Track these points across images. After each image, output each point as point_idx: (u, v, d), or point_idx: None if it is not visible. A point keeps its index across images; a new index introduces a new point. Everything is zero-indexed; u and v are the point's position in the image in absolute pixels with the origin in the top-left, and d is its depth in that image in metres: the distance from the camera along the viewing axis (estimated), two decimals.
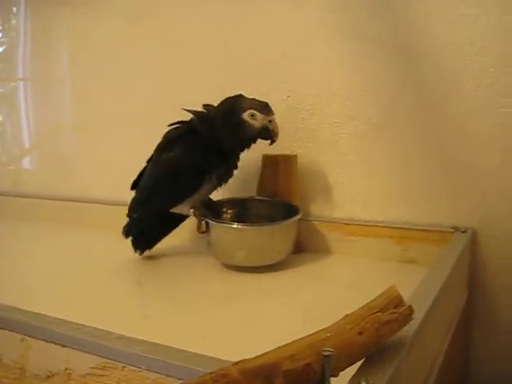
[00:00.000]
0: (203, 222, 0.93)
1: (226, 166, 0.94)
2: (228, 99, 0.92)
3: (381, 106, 0.97)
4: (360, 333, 0.44)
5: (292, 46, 1.03)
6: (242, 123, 0.89)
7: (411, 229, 0.94)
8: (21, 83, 1.49)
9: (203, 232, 0.93)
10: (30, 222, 1.36)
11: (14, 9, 1.45)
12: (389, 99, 0.96)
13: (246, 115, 0.89)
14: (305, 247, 1.01)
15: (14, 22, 1.46)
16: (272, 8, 1.05)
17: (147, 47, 1.23)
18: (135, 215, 0.99)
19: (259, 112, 0.89)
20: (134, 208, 0.98)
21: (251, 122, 0.89)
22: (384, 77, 0.96)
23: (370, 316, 0.45)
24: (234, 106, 0.91)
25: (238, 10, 1.09)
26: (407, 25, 0.94)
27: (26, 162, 1.56)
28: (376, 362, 0.44)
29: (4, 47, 1.49)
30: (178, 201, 0.95)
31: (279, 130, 0.91)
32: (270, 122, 0.89)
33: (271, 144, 0.92)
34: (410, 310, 0.48)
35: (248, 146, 0.93)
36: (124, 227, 0.99)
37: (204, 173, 0.92)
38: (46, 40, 1.41)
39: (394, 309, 0.47)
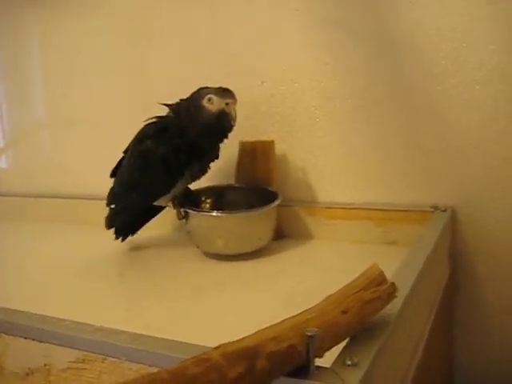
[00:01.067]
0: (182, 210, 0.92)
1: (199, 163, 0.93)
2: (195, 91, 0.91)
3: (356, 87, 0.96)
4: (343, 312, 0.43)
5: (265, 31, 1.02)
6: (201, 109, 0.88)
7: (391, 210, 0.94)
8: None
9: (183, 218, 0.92)
10: (10, 220, 1.34)
11: None
12: (364, 80, 0.96)
13: (204, 101, 0.87)
14: (286, 233, 1.00)
15: None
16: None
17: (120, 41, 1.21)
18: (113, 206, 0.97)
19: (216, 95, 0.87)
20: (112, 200, 0.97)
21: (208, 106, 0.87)
22: (358, 58, 0.96)
23: (353, 295, 0.45)
24: (195, 94, 0.90)
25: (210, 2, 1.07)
26: (378, 6, 0.93)
27: (2, 162, 1.53)
28: (361, 341, 0.44)
29: None
30: (152, 198, 0.94)
31: (237, 114, 0.88)
32: (226, 104, 0.87)
33: (230, 131, 0.90)
34: (393, 288, 0.48)
35: (215, 136, 0.91)
36: (105, 218, 0.97)
37: (176, 173, 0.91)
38: (16, 39, 1.39)
39: (376, 287, 0.47)
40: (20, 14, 1.36)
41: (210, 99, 0.87)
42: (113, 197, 0.98)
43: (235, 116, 0.87)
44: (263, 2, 1.02)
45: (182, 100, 0.93)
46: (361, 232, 0.96)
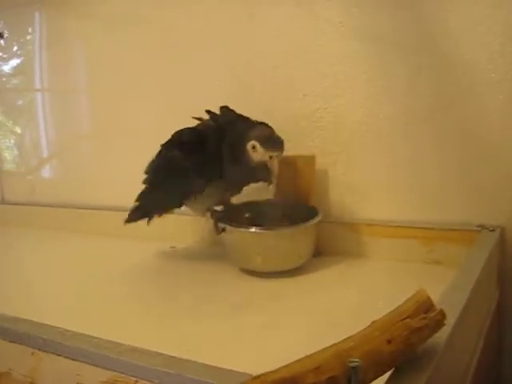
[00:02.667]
0: (220, 225, 0.90)
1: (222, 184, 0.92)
2: (239, 119, 0.90)
3: (400, 103, 0.93)
4: (388, 341, 0.40)
5: (307, 43, 1.00)
6: (243, 151, 0.86)
7: (436, 228, 0.90)
8: (38, 94, 1.49)
9: (221, 233, 0.91)
10: (47, 231, 1.35)
11: (30, 21, 1.44)
12: (407, 96, 0.93)
13: (248, 145, 0.85)
14: (325, 250, 0.98)
15: (29, 35, 1.45)
16: (284, 5, 1.02)
17: (164, 57, 1.21)
18: (137, 203, 0.99)
19: (261, 145, 0.85)
20: (139, 195, 0.98)
21: (251, 153, 0.85)
22: (401, 74, 0.93)
23: (399, 322, 0.42)
24: (241, 132, 0.87)
25: (247, 8, 1.06)
26: (423, 21, 0.91)
27: (45, 172, 1.55)
28: (406, 373, 0.41)
29: (21, 59, 1.49)
30: (173, 203, 0.94)
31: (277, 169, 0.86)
32: (270, 158, 0.85)
33: (268, 185, 0.89)
34: (442, 315, 0.45)
35: (247, 182, 0.92)
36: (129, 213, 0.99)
37: (196, 189, 0.90)
38: (62, 51, 1.41)
39: (424, 314, 0.44)
40: (66, 28, 1.38)
41: (254, 146, 0.85)
42: (141, 192, 0.98)
43: (276, 172, 0.85)
44: (307, 15, 1.00)
45: (212, 115, 0.92)
46: (403, 251, 0.92)
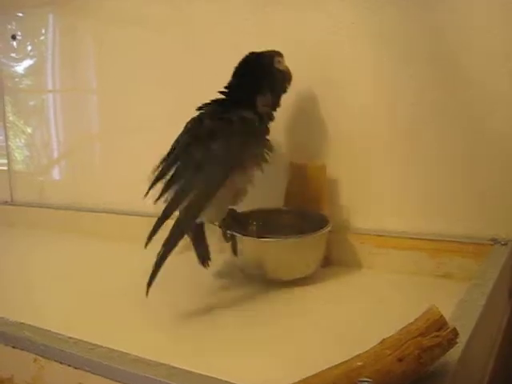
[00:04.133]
0: (228, 233, 0.89)
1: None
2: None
3: (415, 114, 0.92)
4: (399, 360, 0.39)
5: (321, 50, 0.99)
6: (275, 72, 0.91)
7: (447, 240, 0.89)
8: (50, 95, 1.49)
9: (229, 241, 0.90)
10: (56, 232, 1.35)
11: (43, 23, 1.45)
12: (423, 107, 0.91)
13: (276, 63, 0.91)
14: (334, 260, 0.96)
15: (42, 37, 1.45)
16: (295, 6, 1.02)
17: (174, 57, 1.20)
18: None
19: (281, 57, 0.91)
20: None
21: (279, 67, 0.91)
22: (412, 78, 0.92)
23: (411, 340, 0.41)
24: (260, 60, 0.91)
25: (260, 7, 1.06)
26: (437, 27, 0.89)
27: (55, 173, 1.55)
28: None
29: (34, 60, 1.49)
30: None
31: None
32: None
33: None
34: (455, 334, 0.43)
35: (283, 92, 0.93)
36: None
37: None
38: (73, 52, 1.41)
39: (436, 332, 0.43)
40: (76, 27, 1.38)
41: (279, 61, 0.91)
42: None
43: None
44: (319, 13, 0.99)
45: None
46: (413, 263, 0.91)
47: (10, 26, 1.50)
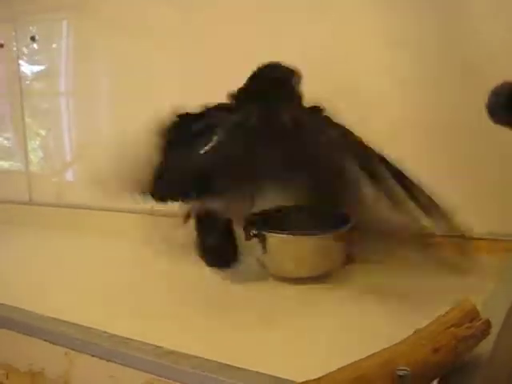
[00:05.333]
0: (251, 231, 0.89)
1: None
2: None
3: (435, 110, 0.92)
4: (435, 350, 0.39)
5: (338, 50, 0.99)
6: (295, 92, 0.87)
7: (470, 238, 0.88)
8: (63, 98, 1.50)
9: (250, 239, 0.89)
10: (73, 231, 1.35)
11: (58, 27, 1.46)
12: (442, 104, 0.91)
13: (296, 84, 0.87)
14: (357, 257, 0.96)
15: (56, 40, 1.46)
16: (314, 11, 1.01)
17: (185, 63, 1.21)
18: None
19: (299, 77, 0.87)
20: None
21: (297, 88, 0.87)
22: (435, 80, 0.91)
23: (445, 331, 0.41)
24: (282, 78, 0.88)
25: (275, 12, 1.05)
26: (453, 24, 0.89)
27: (69, 174, 1.56)
28: (453, 383, 0.40)
29: (48, 63, 1.50)
30: None
31: None
32: None
33: None
34: (487, 324, 0.43)
35: None
36: None
37: None
38: (86, 55, 1.41)
39: (469, 323, 0.43)
40: (92, 31, 1.39)
41: (298, 81, 0.87)
42: None
43: None
44: (335, 17, 0.99)
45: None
46: (439, 260, 0.90)
47: (27, 30, 1.51)
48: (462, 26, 0.89)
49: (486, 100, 0.64)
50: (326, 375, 0.36)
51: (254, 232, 0.88)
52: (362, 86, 0.97)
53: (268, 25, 1.07)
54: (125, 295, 0.86)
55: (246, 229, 0.89)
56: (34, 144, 1.59)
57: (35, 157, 1.60)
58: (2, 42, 1.56)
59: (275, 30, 1.07)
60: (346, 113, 0.95)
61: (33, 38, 1.48)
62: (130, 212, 1.31)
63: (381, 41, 0.95)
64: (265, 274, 0.91)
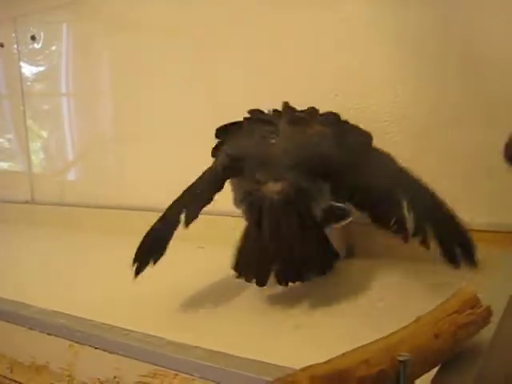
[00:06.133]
0: None
1: None
2: None
3: (429, 103, 0.92)
4: (436, 336, 0.40)
5: (337, 44, 1.00)
6: None
7: (473, 230, 0.88)
8: (64, 98, 1.50)
9: None
10: (75, 230, 1.36)
11: (58, 27, 1.47)
12: (437, 97, 0.91)
13: None
14: (356, 251, 0.96)
15: (57, 41, 1.47)
16: (313, 7, 1.01)
17: (187, 60, 1.21)
18: None
19: None
20: None
21: None
22: (431, 75, 0.91)
23: (446, 318, 0.41)
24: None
25: (276, 10, 1.05)
26: (454, 21, 0.89)
27: (71, 175, 1.56)
28: (453, 369, 0.40)
29: (47, 66, 1.50)
30: None
31: None
32: None
33: None
34: (488, 312, 0.44)
35: None
36: None
37: None
38: (87, 56, 1.42)
39: (470, 310, 0.43)
40: (92, 32, 1.40)
41: None
42: None
43: None
44: (337, 16, 0.99)
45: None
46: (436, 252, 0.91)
47: (28, 30, 1.52)
48: (465, 23, 0.90)
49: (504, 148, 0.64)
50: (331, 359, 0.36)
51: None
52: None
53: (271, 22, 1.08)
54: (127, 293, 0.86)
55: None
56: (35, 146, 1.60)
57: (36, 158, 1.61)
58: (2, 41, 1.57)
59: (277, 26, 1.07)
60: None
61: (33, 38, 1.49)
62: (132, 210, 1.32)
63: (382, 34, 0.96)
64: None
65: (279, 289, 0.82)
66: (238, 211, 0.96)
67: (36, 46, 1.50)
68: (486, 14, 0.87)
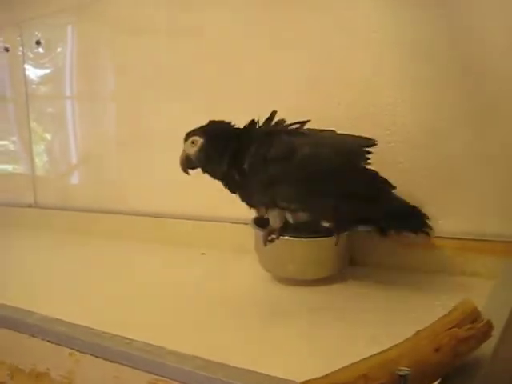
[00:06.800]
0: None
1: None
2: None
3: (431, 111, 0.92)
4: (436, 350, 0.40)
5: (340, 53, 1.00)
6: None
7: (471, 239, 0.88)
8: (68, 102, 1.51)
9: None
10: (78, 234, 1.37)
11: (63, 31, 1.47)
12: (439, 104, 0.91)
13: None
14: (358, 260, 0.96)
15: (62, 44, 1.48)
16: (315, 12, 1.02)
17: (190, 64, 1.21)
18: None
19: None
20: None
21: None
22: (434, 82, 0.91)
23: (446, 331, 0.41)
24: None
25: (277, 16, 1.06)
26: (456, 28, 0.89)
27: (74, 178, 1.57)
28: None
29: (52, 69, 1.51)
30: None
31: None
32: None
33: None
34: (489, 326, 0.44)
35: None
36: None
37: None
38: (91, 59, 1.43)
39: (470, 324, 0.43)
40: (96, 35, 1.40)
41: None
42: None
43: None
44: (342, 22, 0.99)
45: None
46: (439, 262, 0.90)
47: (33, 34, 1.53)
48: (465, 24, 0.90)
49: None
50: (329, 374, 0.36)
51: (273, 236, 0.87)
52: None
53: (273, 26, 1.08)
54: (129, 298, 0.86)
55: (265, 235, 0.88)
56: (39, 148, 1.60)
57: (40, 160, 1.61)
58: (8, 46, 1.58)
59: (280, 29, 1.07)
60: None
61: (38, 42, 1.49)
62: (135, 215, 1.32)
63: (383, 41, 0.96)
64: (268, 276, 0.92)
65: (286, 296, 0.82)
66: (241, 218, 0.97)
67: (41, 49, 1.51)
68: (488, 28, 0.87)
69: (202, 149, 0.89)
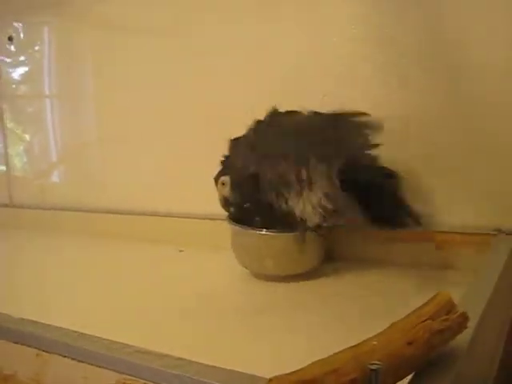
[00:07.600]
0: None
1: None
2: None
3: (414, 104, 0.92)
4: (409, 343, 0.39)
5: (323, 46, 0.99)
6: None
7: (450, 232, 0.88)
8: (47, 100, 1.48)
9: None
10: (54, 232, 1.35)
11: (40, 29, 1.45)
12: (422, 98, 0.91)
13: None
14: (337, 254, 0.96)
15: (39, 42, 1.45)
16: (297, 7, 1.01)
17: (171, 62, 1.20)
18: None
19: None
20: None
21: None
22: (416, 76, 0.91)
23: (420, 324, 0.40)
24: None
25: (260, 13, 1.05)
26: (438, 23, 0.89)
27: (53, 177, 1.54)
28: (427, 377, 0.39)
29: (30, 67, 1.49)
30: None
31: None
32: None
33: None
34: (464, 317, 0.43)
35: None
36: None
37: None
38: (70, 57, 1.41)
39: (445, 316, 0.42)
40: (75, 33, 1.38)
41: None
42: None
43: None
44: (324, 20, 0.99)
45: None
46: (417, 255, 0.90)
47: (8, 31, 1.50)
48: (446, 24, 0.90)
49: None
50: (302, 368, 0.35)
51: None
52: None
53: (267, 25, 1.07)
54: (103, 296, 0.85)
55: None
56: (17, 149, 1.58)
57: (19, 161, 1.59)
58: None
59: (273, 28, 1.06)
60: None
61: (10, 39, 1.46)
62: (114, 213, 1.30)
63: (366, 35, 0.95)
64: (243, 271, 0.90)
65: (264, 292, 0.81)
66: (218, 214, 0.96)
67: (17, 47, 1.48)
68: (476, 22, 0.87)
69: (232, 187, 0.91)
